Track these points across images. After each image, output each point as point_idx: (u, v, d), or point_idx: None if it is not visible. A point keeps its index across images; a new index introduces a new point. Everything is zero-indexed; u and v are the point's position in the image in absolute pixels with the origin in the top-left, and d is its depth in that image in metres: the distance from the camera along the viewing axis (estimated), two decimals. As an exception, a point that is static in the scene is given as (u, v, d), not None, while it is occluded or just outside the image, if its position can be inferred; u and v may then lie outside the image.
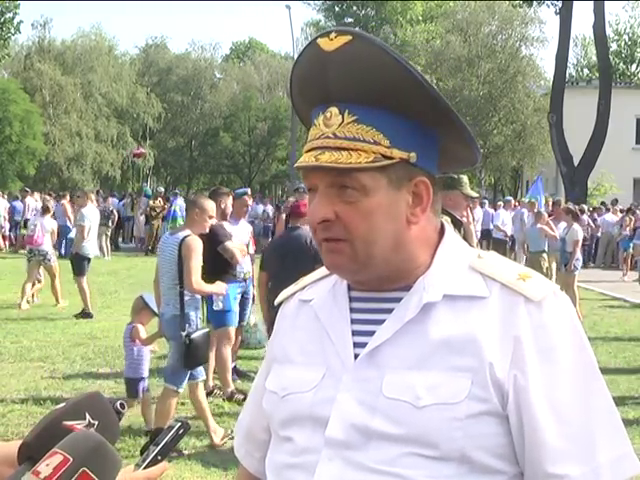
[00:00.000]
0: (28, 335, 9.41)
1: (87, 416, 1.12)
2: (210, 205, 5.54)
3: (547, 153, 31.95)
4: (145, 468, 1.17)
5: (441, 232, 1.30)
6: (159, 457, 1.18)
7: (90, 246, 11.23)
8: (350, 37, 1.18)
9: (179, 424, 1.22)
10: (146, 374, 5.71)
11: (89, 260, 11.22)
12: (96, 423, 1.13)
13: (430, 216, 1.27)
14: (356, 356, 1.22)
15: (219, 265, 6.35)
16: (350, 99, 1.20)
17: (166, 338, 5.47)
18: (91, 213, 11.42)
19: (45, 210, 12.43)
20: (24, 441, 1.10)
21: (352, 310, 1.28)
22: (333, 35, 1.19)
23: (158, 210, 22.47)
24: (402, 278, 1.25)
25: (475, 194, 6.18)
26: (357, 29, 1.23)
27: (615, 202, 23.70)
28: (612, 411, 1.19)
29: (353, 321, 1.27)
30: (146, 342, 5.66)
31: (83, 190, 12.60)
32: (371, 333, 1.23)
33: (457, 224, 5.71)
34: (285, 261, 5.70)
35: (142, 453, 1.19)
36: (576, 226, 11.56)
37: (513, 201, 20.82)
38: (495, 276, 1.21)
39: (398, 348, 1.20)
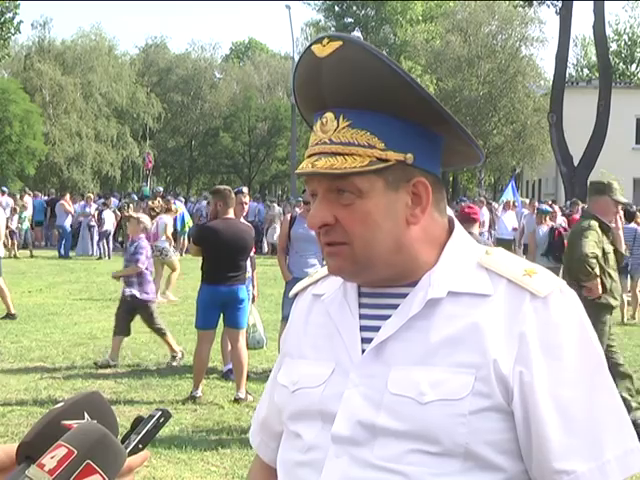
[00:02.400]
0: (28, 335, 9.39)
1: (86, 415, 1.12)
2: None
3: (547, 153, 31.99)
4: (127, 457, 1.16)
5: (450, 230, 1.30)
6: (140, 446, 1.17)
7: (0, 246, 11.32)
8: (341, 42, 1.19)
9: (160, 412, 1.21)
10: None
11: None
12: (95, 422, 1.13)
13: (434, 215, 1.26)
14: (364, 351, 1.24)
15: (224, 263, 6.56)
16: (344, 104, 1.22)
17: None
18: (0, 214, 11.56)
19: (167, 210, 14.17)
20: (23, 440, 1.09)
21: (361, 305, 1.29)
22: (325, 41, 1.21)
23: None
24: (408, 276, 1.25)
25: (625, 200, 6.05)
26: (349, 34, 1.24)
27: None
28: (618, 407, 1.20)
29: (361, 316, 1.28)
30: None
31: None
32: (378, 328, 1.24)
33: (605, 229, 5.67)
34: None
35: (123, 442, 1.19)
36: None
37: (511, 200, 20.71)
38: (502, 272, 1.22)
39: (403, 343, 1.21)
